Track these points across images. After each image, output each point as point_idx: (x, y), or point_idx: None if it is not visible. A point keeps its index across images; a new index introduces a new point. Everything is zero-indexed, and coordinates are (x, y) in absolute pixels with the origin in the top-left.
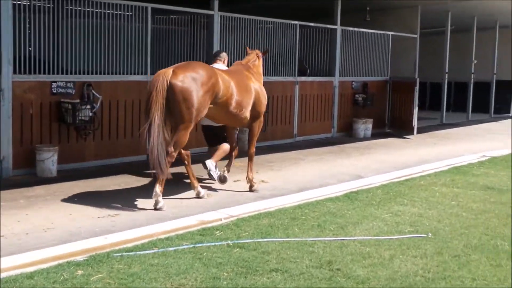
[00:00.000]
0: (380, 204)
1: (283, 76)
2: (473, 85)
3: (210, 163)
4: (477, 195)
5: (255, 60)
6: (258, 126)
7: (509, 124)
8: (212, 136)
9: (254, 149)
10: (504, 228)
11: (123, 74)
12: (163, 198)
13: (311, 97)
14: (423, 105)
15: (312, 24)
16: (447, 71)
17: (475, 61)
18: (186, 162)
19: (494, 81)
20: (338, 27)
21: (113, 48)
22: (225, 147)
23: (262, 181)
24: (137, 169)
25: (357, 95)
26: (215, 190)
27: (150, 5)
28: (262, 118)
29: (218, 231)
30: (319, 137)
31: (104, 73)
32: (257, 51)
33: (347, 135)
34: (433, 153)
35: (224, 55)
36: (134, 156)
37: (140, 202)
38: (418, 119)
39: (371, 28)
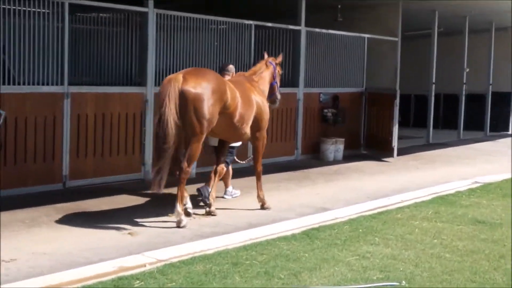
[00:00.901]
0: (346, 244)
1: None
2: (465, 97)
3: (228, 193)
4: (464, 231)
5: (261, 71)
6: (262, 142)
7: (508, 144)
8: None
9: (261, 167)
10: (495, 273)
11: (34, 84)
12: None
13: (271, 112)
14: (406, 122)
15: (270, 24)
16: (434, 81)
17: (468, 70)
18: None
19: (490, 93)
20: (303, 28)
21: (20, 53)
22: (221, 170)
23: (208, 212)
24: (49, 201)
25: (326, 110)
26: (144, 226)
27: (67, 0)
28: (265, 134)
29: (137, 281)
30: (280, 160)
31: (9, 83)
32: (269, 58)
33: (314, 157)
34: (415, 179)
35: (231, 68)
36: (46, 184)
37: (45, 244)
38: (400, 138)
39: (344, 29)
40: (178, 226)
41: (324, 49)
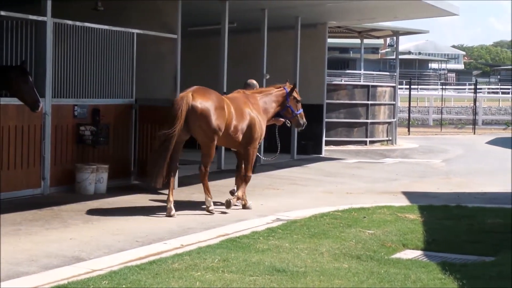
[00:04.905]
0: None
1: None
2: None
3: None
4: (258, 283)
5: (268, 91)
6: (253, 151)
7: (318, 170)
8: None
9: (251, 174)
10: None
11: None
12: None
13: (4, 130)
14: (192, 143)
15: (3, 12)
16: (225, 90)
17: (268, 76)
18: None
19: None
20: (49, 19)
21: None
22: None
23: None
24: None
25: (83, 128)
26: None
27: None
28: (256, 145)
29: None
30: (20, 194)
31: None
32: (285, 85)
33: (68, 190)
34: (200, 217)
35: (253, 83)
36: None
37: None
38: (183, 163)
39: (108, 22)
40: (208, 211)
41: (80, 47)
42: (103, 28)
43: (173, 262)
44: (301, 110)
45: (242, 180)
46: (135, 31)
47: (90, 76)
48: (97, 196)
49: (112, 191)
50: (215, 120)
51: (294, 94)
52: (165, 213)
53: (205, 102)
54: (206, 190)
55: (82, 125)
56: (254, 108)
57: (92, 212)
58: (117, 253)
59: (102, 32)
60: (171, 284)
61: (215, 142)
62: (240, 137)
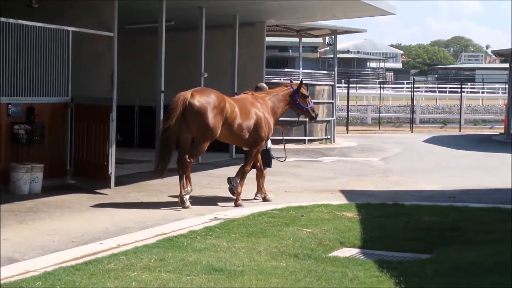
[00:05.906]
0: None
1: None
2: None
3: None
4: (195, 283)
5: (276, 92)
6: (257, 150)
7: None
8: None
9: (248, 168)
10: None
11: None
12: None
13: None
14: (130, 141)
15: None
16: (163, 88)
17: (206, 74)
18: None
19: None
20: None
21: None
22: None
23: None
24: None
25: (17, 126)
26: None
27: None
28: (263, 143)
29: None
30: None
31: None
32: (294, 84)
33: (2, 190)
34: (137, 217)
35: (262, 86)
36: None
37: None
38: (121, 163)
39: (44, 19)
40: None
41: (14, 45)
42: (38, 25)
43: (109, 262)
44: (311, 104)
45: (240, 173)
46: (71, 29)
47: (25, 74)
48: (32, 196)
49: (48, 190)
50: (211, 118)
51: (302, 90)
52: (98, 214)
53: (202, 100)
54: (187, 182)
55: (16, 124)
56: (262, 108)
57: (26, 212)
58: (51, 253)
59: (37, 29)
60: (106, 285)
61: (208, 141)
62: (247, 135)
